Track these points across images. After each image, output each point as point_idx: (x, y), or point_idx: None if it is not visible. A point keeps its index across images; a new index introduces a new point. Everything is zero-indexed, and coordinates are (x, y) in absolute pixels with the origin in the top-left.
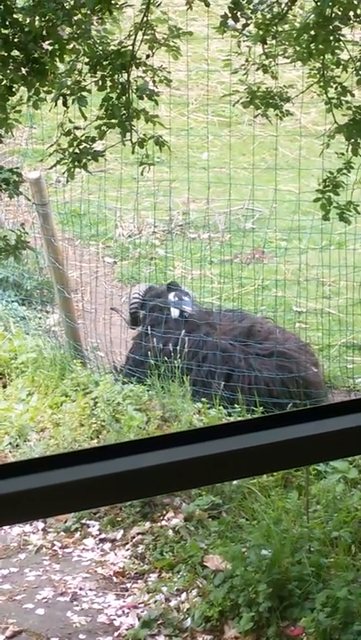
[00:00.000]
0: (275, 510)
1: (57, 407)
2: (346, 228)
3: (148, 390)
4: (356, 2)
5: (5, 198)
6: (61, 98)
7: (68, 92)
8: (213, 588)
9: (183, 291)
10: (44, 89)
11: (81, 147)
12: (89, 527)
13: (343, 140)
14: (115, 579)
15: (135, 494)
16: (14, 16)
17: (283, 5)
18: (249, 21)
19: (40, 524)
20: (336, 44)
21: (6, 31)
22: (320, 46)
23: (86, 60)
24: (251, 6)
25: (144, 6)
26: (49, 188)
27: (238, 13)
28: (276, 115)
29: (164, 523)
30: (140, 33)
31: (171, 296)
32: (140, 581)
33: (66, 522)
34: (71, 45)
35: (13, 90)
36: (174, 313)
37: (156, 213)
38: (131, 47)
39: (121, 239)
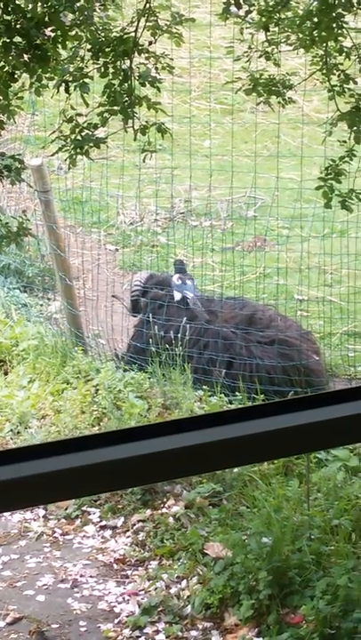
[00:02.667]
0: (275, 498)
1: (58, 394)
2: (348, 216)
3: (149, 378)
4: None
5: (7, 185)
6: (63, 84)
7: (71, 79)
8: (214, 576)
9: (188, 275)
10: (47, 75)
11: (83, 134)
12: (90, 514)
13: (346, 128)
14: (115, 566)
15: (135, 481)
16: (16, 2)
17: None
18: (252, 8)
19: (41, 511)
20: (339, 32)
21: (8, 17)
22: (323, 33)
23: (89, 46)
24: None
25: None
26: (51, 175)
27: (241, 0)
28: (279, 102)
29: (164, 510)
30: (143, 19)
31: (175, 278)
32: (140, 568)
33: (66, 509)
34: (73, 32)
35: (15, 76)
36: (177, 296)
37: (158, 201)
38: (133, 34)
39: (123, 226)
